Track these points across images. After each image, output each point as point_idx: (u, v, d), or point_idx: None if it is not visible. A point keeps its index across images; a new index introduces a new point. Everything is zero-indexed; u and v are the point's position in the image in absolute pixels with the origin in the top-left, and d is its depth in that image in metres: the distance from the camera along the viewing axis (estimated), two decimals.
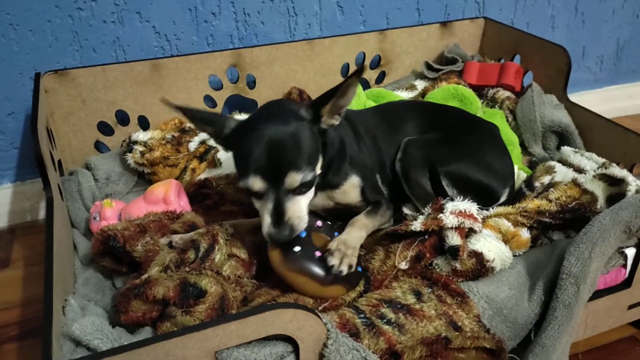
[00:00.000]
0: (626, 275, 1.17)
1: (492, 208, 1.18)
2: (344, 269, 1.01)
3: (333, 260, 1.01)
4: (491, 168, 1.27)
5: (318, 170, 1.06)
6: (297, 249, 1.02)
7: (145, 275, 1.02)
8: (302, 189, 1.02)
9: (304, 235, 1.04)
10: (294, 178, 0.99)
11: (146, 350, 0.77)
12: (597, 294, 1.12)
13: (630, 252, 1.14)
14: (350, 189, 1.19)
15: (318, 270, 1.01)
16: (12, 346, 1.24)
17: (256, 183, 0.99)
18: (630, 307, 1.20)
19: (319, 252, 1.04)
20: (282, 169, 0.99)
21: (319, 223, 1.11)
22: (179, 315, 0.93)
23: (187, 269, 1.04)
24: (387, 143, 1.32)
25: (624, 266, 1.16)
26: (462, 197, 1.11)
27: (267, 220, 1.00)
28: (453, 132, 1.35)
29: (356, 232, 1.10)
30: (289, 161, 0.99)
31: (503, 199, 1.28)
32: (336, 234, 1.11)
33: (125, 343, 0.82)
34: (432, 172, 1.20)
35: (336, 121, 1.08)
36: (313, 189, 1.06)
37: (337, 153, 1.16)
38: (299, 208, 1.02)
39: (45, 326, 0.81)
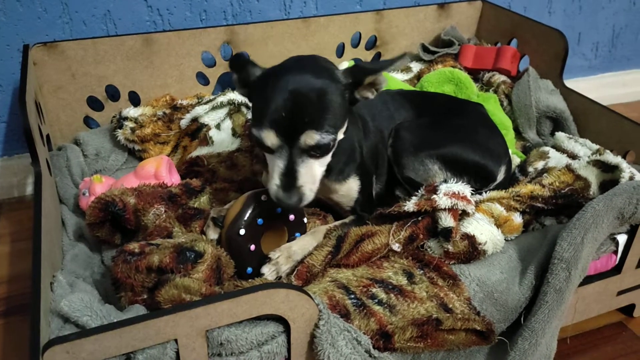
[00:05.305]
0: (616, 262, 1.17)
1: (486, 192, 1.18)
2: (269, 279, 0.99)
3: (264, 269, 1.00)
4: (485, 148, 1.26)
5: (340, 136, 0.99)
6: (242, 231, 1.00)
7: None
8: (317, 151, 0.94)
9: (260, 222, 1.02)
10: (312, 137, 0.92)
11: (136, 327, 0.76)
12: (587, 280, 1.13)
13: (622, 239, 1.15)
14: (348, 191, 1.16)
15: (244, 262, 1.02)
16: None
17: (270, 137, 0.92)
18: (619, 293, 1.21)
19: (253, 246, 1.02)
20: (300, 125, 0.91)
21: (292, 217, 1.09)
22: (178, 278, 0.91)
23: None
24: (387, 131, 1.30)
25: (615, 252, 1.16)
26: (457, 180, 1.10)
27: (275, 180, 0.94)
28: (443, 116, 1.34)
29: (308, 241, 1.06)
30: (310, 119, 0.92)
31: (500, 177, 1.27)
32: (297, 234, 1.10)
33: (115, 320, 0.81)
34: (422, 157, 1.19)
35: (371, 95, 1.02)
36: (329, 156, 0.99)
37: (349, 150, 1.12)
38: (312, 175, 0.96)
39: (34, 302, 0.79)
